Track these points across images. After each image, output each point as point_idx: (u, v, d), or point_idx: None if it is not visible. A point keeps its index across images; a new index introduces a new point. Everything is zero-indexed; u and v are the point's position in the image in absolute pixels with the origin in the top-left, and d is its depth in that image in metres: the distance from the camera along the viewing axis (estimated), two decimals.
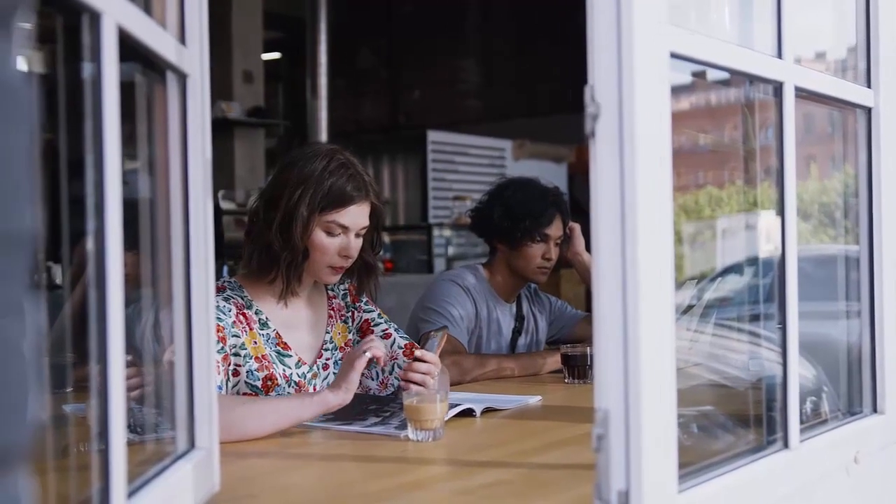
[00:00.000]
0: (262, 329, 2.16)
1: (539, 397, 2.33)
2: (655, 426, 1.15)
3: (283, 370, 2.15)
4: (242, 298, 2.17)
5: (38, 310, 0.59)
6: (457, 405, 2.04)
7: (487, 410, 2.13)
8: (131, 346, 1.08)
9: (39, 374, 0.58)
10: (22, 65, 0.56)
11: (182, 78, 1.33)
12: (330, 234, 2.14)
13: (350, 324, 2.35)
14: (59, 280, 2.36)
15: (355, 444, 1.85)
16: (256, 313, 2.17)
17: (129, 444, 1.05)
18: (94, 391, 0.99)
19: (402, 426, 1.88)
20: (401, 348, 2.29)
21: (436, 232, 7.34)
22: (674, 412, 1.20)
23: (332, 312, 2.32)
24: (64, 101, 1.08)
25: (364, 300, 2.38)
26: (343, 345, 2.31)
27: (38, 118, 0.57)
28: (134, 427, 1.31)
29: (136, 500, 1.08)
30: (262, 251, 2.16)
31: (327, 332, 2.29)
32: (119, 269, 1.00)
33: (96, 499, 0.98)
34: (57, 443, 1.27)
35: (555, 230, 2.96)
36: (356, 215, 2.16)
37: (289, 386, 2.16)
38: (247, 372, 2.10)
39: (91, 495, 1.00)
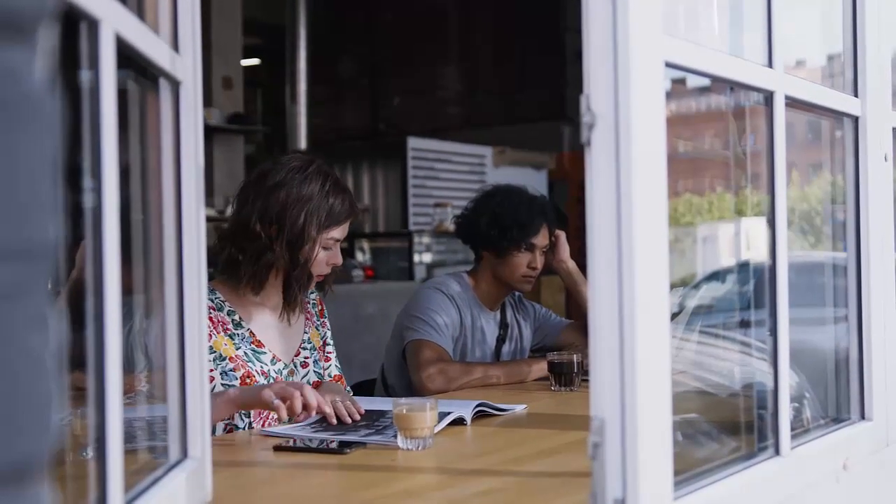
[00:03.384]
0: (236, 329, 2.22)
1: (525, 406, 2.33)
2: (651, 434, 1.15)
3: (261, 367, 2.22)
4: (212, 301, 2.19)
5: (59, 321, 0.59)
6: (448, 413, 2.04)
7: (479, 413, 2.13)
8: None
9: (60, 386, 0.57)
10: (44, 74, 0.56)
11: (175, 85, 1.32)
12: (325, 248, 2.25)
13: (320, 330, 2.44)
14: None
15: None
16: (229, 314, 2.23)
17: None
18: (92, 400, 0.98)
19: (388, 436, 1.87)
20: (331, 377, 2.38)
21: (416, 239, 7.32)
22: (669, 419, 1.20)
23: (308, 315, 2.41)
24: (60, 107, 1.06)
25: (325, 317, 2.48)
26: (319, 347, 2.40)
27: (60, 128, 0.57)
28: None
29: None
30: (262, 269, 2.21)
31: (305, 332, 2.38)
32: (116, 276, 0.99)
33: None
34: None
35: (541, 239, 2.96)
36: (346, 228, 2.30)
37: (267, 381, 2.21)
38: (221, 373, 2.15)
39: None
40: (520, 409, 2.30)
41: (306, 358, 2.35)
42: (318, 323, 2.43)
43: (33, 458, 0.54)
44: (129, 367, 1.51)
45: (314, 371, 2.36)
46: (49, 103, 0.55)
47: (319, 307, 2.46)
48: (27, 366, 0.53)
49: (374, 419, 2.08)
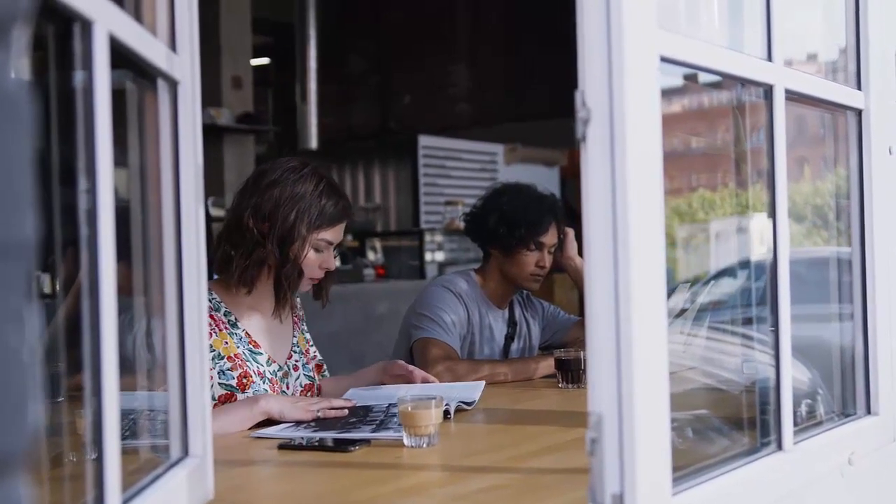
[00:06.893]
0: (233, 329, 2.26)
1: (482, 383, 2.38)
2: (649, 429, 1.15)
3: (257, 367, 2.25)
4: (210, 302, 2.22)
5: (37, 317, 0.59)
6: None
7: (463, 409, 2.18)
8: (124, 356, 1.07)
9: (39, 382, 0.58)
10: (20, 73, 0.56)
11: (173, 85, 1.32)
12: (317, 250, 2.28)
13: (305, 335, 2.48)
14: (47, 289, 2.36)
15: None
16: (225, 315, 2.27)
17: (122, 451, 1.04)
18: (88, 400, 0.99)
19: (399, 429, 1.87)
20: (301, 386, 2.38)
21: (428, 237, 7.31)
22: (667, 415, 1.20)
23: (296, 319, 2.46)
24: (54, 108, 1.07)
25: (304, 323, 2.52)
26: (304, 351, 2.44)
27: (35, 126, 0.57)
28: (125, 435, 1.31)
29: None
30: (253, 264, 2.23)
31: (294, 336, 2.42)
32: (112, 277, 1.00)
33: None
34: (48, 452, 1.26)
35: (550, 238, 2.95)
36: (340, 232, 2.32)
37: (263, 382, 2.25)
38: (219, 372, 2.18)
39: None
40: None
41: (296, 361, 2.39)
42: (303, 328, 2.48)
43: (10, 453, 0.54)
44: (139, 369, 1.53)
45: (304, 374, 2.40)
46: (25, 102, 0.55)
47: (302, 313, 2.51)
48: (3, 361, 0.53)
49: (368, 412, 2.10)
